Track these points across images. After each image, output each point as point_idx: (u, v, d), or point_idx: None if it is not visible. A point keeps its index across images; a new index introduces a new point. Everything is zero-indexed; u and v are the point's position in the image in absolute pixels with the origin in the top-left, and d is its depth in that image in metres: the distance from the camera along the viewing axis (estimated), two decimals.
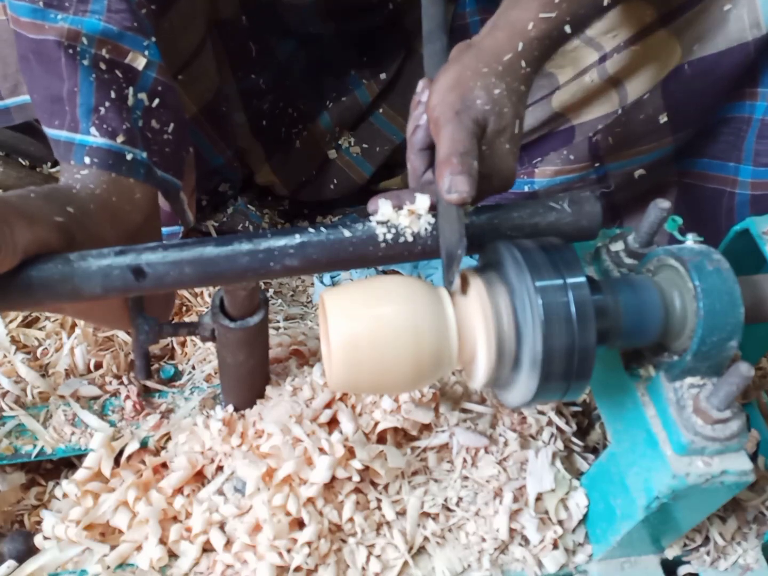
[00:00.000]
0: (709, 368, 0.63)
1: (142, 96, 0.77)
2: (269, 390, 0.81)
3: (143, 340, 0.71)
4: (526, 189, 1.01)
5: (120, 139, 0.73)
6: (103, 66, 0.75)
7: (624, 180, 0.98)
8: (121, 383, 0.88)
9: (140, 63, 0.77)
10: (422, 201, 0.65)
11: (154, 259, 0.62)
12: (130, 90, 0.76)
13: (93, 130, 0.72)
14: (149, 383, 0.88)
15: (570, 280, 0.59)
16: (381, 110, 1.21)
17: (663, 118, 0.90)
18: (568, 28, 0.70)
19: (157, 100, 0.78)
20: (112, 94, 0.74)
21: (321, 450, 0.75)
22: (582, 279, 0.60)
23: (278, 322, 1.02)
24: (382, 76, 1.18)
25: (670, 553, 0.79)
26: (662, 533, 0.76)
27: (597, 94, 0.99)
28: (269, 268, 0.65)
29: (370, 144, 1.22)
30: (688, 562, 0.81)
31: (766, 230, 0.80)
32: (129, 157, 0.73)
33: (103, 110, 0.73)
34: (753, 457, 0.87)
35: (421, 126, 0.70)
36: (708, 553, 0.80)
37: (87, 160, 0.72)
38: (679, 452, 0.63)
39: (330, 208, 1.25)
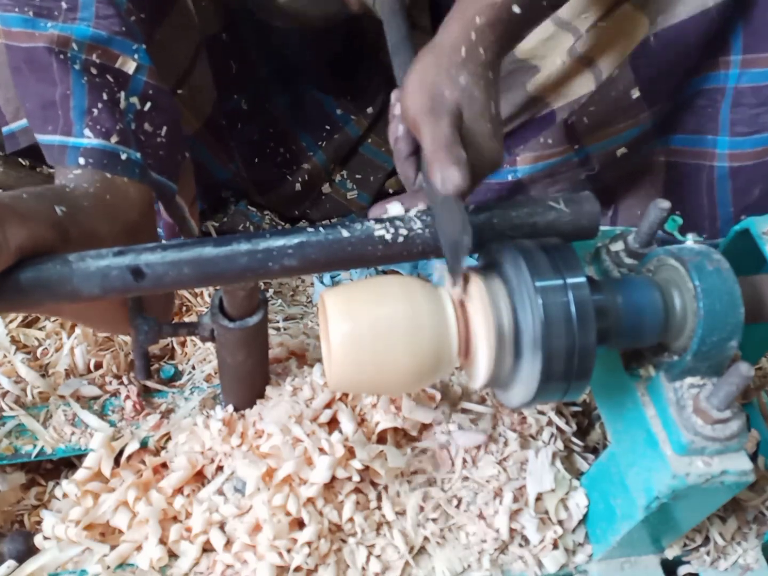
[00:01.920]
0: (709, 368, 0.63)
1: (134, 100, 0.78)
2: (269, 390, 0.81)
3: (143, 341, 0.71)
4: (510, 178, 1.00)
5: (114, 139, 0.73)
6: (94, 71, 0.75)
7: (607, 160, 0.97)
8: (121, 383, 0.88)
9: (130, 67, 0.77)
10: (395, 208, 0.67)
11: (152, 259, 0.62)
12: (122, 94, 0.76)
13: (87, 131, 0.73)
14: (149, 383, 0.88)
15: (570, 280, 0.59)
16: (369, 140, 1.23)
17: (635, 94, 0.89)
18: (516, 8, 0.70)
19: (149, 104, 0.79)
20: (105, 96, 0.75)
21: (321, 450, 0.75)
22: (582, 279, 0.60)
23: (278, 322, 1.02)
24: (369, 110, 1.20)
25: (670, 553, 0.79)
26: (662, 533, 0.76)
27: (572, 75, 0.98)
28: (268, 269, 0.64)
29: (363, 174, 1.23)
30: (688, 562, 0.81)
31: (766, 230, 0.80)
32: (123, 156, 0.74)
33: (96, 111, 0.73)
34: (753, 457, 0.87)
35: (401, 136, 0.71)
36: (708, 553, 0.80)
37: (81, 160, 0.72)
38: (679, 452, 0.63)
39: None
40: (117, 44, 0.76)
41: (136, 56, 0.77)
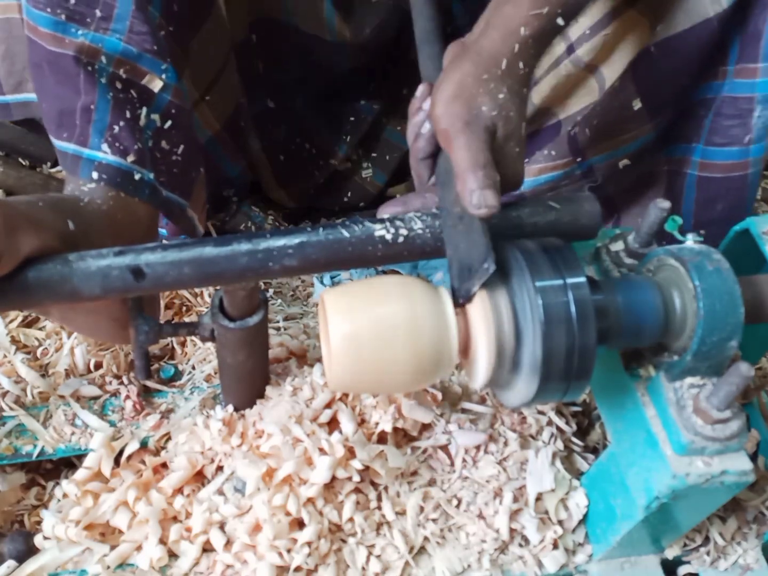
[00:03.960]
0: (709, 368, 0.63)
1: (155, 117, 0.78)
2: (269, 390, 0.81)
3: (143, 341, 0.71)
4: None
5: (130, 158, 0.73)
6: (119, 85, 0.75)
7: (610, 172, 0.96)
8: (121, 383, 0.88)
9: (156, 85, 0.77)
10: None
11: (153, 259, 0.62)
12: (143, 110, 0.76)
13: (105, 146, 0.73)
14: (149, 383, 0.88)
15: (570, 281, 0.59)
16: (386, 121, 1.21)
17: (637, 105, 0.88)
18: (560, 20, 0.69)
19: (169, 122, 0.79)
20: (127, 114, 0.75)
21: (321, 450, 0.75)
22: (582, 279, 0.60)
23: (278, 322, 1.02)
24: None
25: (670, 553, 0.79)
26: (662, 533, 0.76)
27: (577, 85, 0.97)
28: (268, 268, 0.65)
29: (379, 153, 1.22)
30: (688, 562, 0.81)
31: (766, 230, 0.80)
32: (137, 177, 0.74)
33: (117, 129, 0.73)
34: (753, 457, 0.87)
35: (423, 135, 0.70)
36: (708, 553, 0.80)
37: (95, 175, 0.72)
38: (679, 452, 0.63)
39: (337, 213, 1.25)
40: (146, 62, 0.76)
41: (163, 76, 0.77)
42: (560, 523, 0.78)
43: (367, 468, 0.76)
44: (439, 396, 0.82)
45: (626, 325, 0.63)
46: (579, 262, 0.61)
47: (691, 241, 0.66)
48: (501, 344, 0.60)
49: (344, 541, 0.75)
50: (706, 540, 0.80)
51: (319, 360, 0.85)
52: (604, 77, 0.92)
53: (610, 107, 0.90)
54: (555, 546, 0.78)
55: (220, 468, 0.79)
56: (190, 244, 0.64)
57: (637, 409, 0.67)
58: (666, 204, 0.68)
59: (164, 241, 0.65)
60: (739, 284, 0.62)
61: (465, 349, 0.62)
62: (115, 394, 0.87)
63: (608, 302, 0.63)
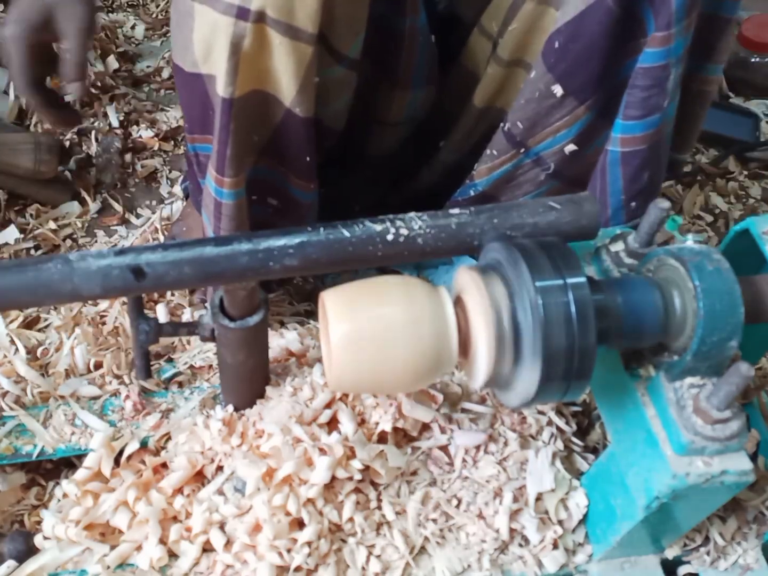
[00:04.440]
0: (709, 368, 0.63)
1: None
2: (269, 390, 0.81)
3: (143, 341, 0.71)
4: (472, 192, 0.99)
5: None
6: None
7: (559, 158, 0.94)
8: (122, 383, 0.88)
9: None
10: None
11: (153, 258, 0.62)
12: None
13: None
14: (148, 384, 0.88)
15: (570, 280, 0.59)
16: None
17: (559, 91, 0.86)
18: None
19: None
20: None
21: (321, 450, 0.75)
22: (582, 279, 0.60)
23: (279, 321, 1.02)
24: None
25: (670, 553, 0.79)
26: (662, 533, 0.76)
27: (514, 80, 0.96)
28: (269, 268, 0.65)
29: None
30: (688, 562, 0.81)
31: (766, 230, 0.80)
32: None
33: None
34: (753, 457, 0.87)
35: None
36: (708, 553, 0.80)
37: None
38: (679, 452, 0.63)
39: None
40: None
41: None
42: (560, 523, 0.78)
43: (367, 468, 0.76)
44: (440, 396, 0.82)
45: (626, 325, 0.63)
46: (579, 262, 0.61)
47: (691, 241, 0.66)
48: (501, 344, 0.60)
49: (344, 541, 0.75)
50: (706, 540, 0.80)
51: (320, 360, 0.85)
52: (530, 69, 0.91)
53: (533, 97, 0.89)
54: (555, 546, 0.78)
55: (220, 468, 0.79)
56: (191, 243, 0.64)
57: (637, 409, 0.67)
58: (665, 204, 0.68)
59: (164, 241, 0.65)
60: (739, 284, 0.62)
61: (465, 348, 0.62)
62: (115, 394, 0.87)
63: (608, 302, 0.63)
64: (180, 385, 0.90)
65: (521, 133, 0.92)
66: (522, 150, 0.94)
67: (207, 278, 0.64)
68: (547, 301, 0.58)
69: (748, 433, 0.64)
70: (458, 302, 0.64)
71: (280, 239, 0.65)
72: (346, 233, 0.65)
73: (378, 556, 0.75)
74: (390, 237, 0.66)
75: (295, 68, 0.77)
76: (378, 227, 0.66)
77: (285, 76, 0.78)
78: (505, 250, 0.62)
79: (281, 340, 0.90)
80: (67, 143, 1.26)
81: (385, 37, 0.92)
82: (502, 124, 0.94)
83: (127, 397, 0.85)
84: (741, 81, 1.54)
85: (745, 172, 1.44)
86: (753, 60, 1.50)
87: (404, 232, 0.66)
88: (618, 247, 0.73)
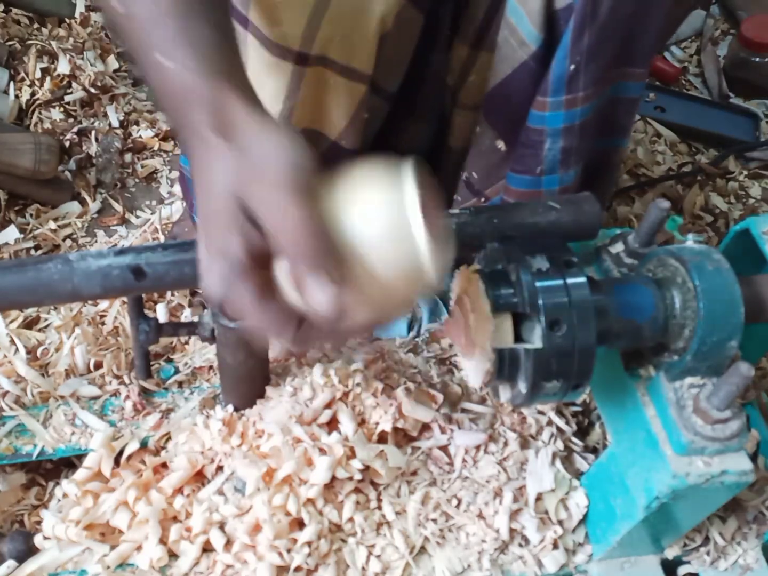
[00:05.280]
0: (709, 368, 0.64)
1: None
2: (269, 390, 0.81)
3: (143, 341, 0.71)
4: None
5: None
6: None
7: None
8: (122, 383, 0.88)
9: None
10: None
11: (153, 259, 0.62)
12: None
13: None
14: (148, 384, 0.88)
15: (570, 281, 0.59)
16: None
17: (501, 146, 0.90)
18: None
19: None
20: None
21: (321, 450, 0.75)
22: (582, 279, 0.60)
23: None
24: None
25: (670, 553, 0.79)
26: (662, 533, 0.76)
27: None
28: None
29: None
30: (688, 562, 0.81)
31: (766, 230, 0.80)
32: None
33: None
34: (753, 457, 0.87)
35: None
36: (708, 553, 0.80)
37: None
38: (679, 452, 0.63)
39: None
40: None
41: None
42: (560, 523, 0.78)
43: (367, 468, 0.76)
44: (440, 396, 0.82)
45: (626, 325, 0.63)
46: (579, 262, 0.61)
47: (691, 241, 0.66)
48: (501, 344, 0.60)
49: (344, 541, 0.75)
50: (706, 540, 0.80)
51: (319, 360, 0.85)
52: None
53: (482, 151, 0.92)
54: (555, 546, 0.78)
55: (220, 468, 0.79)
56: (191, 244, 0.64)
57: (637, 409, 0.67)
58: (665, 204, 0.68)
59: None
60: (739, 284, 0.62)
61: (466, 348, 0.62)
62: (115, 394, 0.87)
63: (608, 302, 0.63)
64: (180, 385, 0.90)
65: (477, 182, 0.95)
66: (482, 199, 0.96)
67: None
68: (548, 301, 0.58)
69: (748, 433, 0.64)
70: (459, 302, 0.64)
71: None
72: None
73: (378, 556, 0.75)
74: None
75: (348, 105, 0.79)
76: None
77: (336, 112, 0.80)
78: (505, 251, 0.62)
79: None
80: (67, 143, 1.26)
81: (416, 71, 0.93)
82: (463, 172, 0.96)
83: (127, 397, 0.85)
84: (741, 81, 1.54)
85: (745, 172, 1.44)
86: (753, 60, 1.50)
87: None
88: (618, 247, 0.73)
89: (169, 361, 0.94)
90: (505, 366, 0.61)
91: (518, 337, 0.60)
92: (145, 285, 0.62)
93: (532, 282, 0.58)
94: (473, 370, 0.62)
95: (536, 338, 0.58)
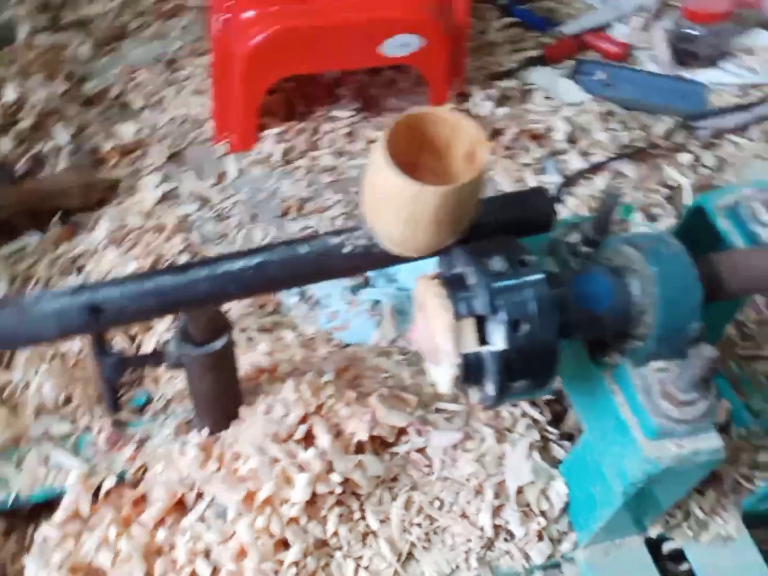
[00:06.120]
0: (672, 351, 0.64)
1: None
2: (243, 411, 0.81)
3: (108, 376, 0.70)
4: None
5: None
6: None
7: None
8: (93, 416, 0.87)
9: None
10: None
11: (111, 294, 0.61)
12: None
13: None
14: (121, 416, 0.87)
15: (528, 279, 0.59)
16: None
17: None
18: None
19: None
20: None
21: (300, 467, 0.74)
22: (540, 276, 0.60)
23: (251, 334, 1.01)
24: None
25: (654, 532, 0.80)
26: (643, 514, 0.77)
27: None
28: (229, 292, 0.64)
29: None
30: (672, 539, 0.82)
31: (720, 205, 0.81)
32: None
33: None
34: (725, 427, 0.89)
35: None
36: (690, 528, 0.81)
37: None
38: (649, 436, 0.64)
39: None
40: None
41: None
42: (543, 513, 0.79)
43: (347, 480, 0.76)
44: (414, 399, 0.82)
45: (585, 315, 0.63)
46: (535, 259, 0.61)
47: (645, 227, 0.67)
48: (464, 349, 0.60)
49: (331, 556, 0.75)
50: (687, 515, 0.82)
51: (290, 375, 0.84)
52: None
53: None
54: (540, 537, 0.78)
55: (200, 495, 0.78)
56: (148, 275, 0.63)
57: (606, 397, 0.68)
58: (618, 192, 0.69)
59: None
60: (696, 266, 0.63)
61: (431, 355, 0.62)
62: (88, 428, 0.86)
63: (566, 295, 0.63)
64: (154, 411, 0.89)
65: None
66: None
67: (167, 309, 0.63)
68: (507, 301, 0.58)
69: (716, 412, 0.65)
70: (421, 309, 0.64)
71: (237, 262, 0.64)
72: (304, 249, 0.65)
73: (366, 567, 0.75)
74: (347, 249, 0.66)
75: None
76: (335, 239, 0.66)
77: None
78: (461, 255, 0.62)
79: (251, 356, 0.89)
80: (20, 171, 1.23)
81: None
82: None
83: (100, 431, 0.84)
84: (687, 53, 1.55)
85: (697, 142, 1.45)
86: (696, 32, 1.52)
87: (362, 242, 0.66)
88: (574, 237, 0.74)
89: (140, 385, 0.94)
90: (471, 370, 0.61)
91: (482, 340, 0.60)
92: (104, 322, 0.61)
93: (490, 285, 0.59)
94: (440, 376, 0.62)
95: (499, 340, 0.58)
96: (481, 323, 0.60)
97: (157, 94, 1.36)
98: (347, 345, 0.98)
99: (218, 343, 0.71)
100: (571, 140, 1.39)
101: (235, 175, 1.26)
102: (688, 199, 1.33)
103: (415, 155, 0.64)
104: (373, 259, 0.67)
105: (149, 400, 0.91)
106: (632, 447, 0.65)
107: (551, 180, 1.32)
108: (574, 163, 1.35)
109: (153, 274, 0.64)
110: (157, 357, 0.73)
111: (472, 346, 0.60)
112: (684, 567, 0.82)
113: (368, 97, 1.39)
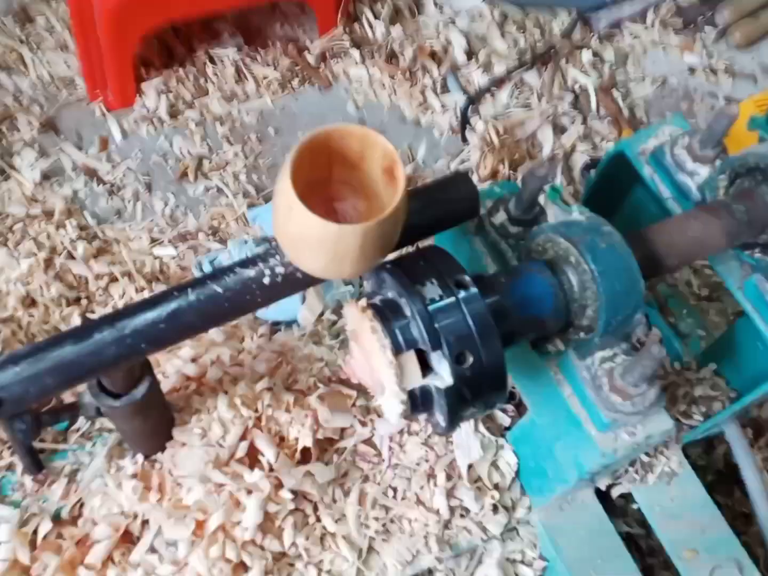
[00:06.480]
0: (617, 340, 0.63)
1: None
2: (176, 433, 0.76)
3: (22, 439, 0.64)
4: None
5: None
6: None
7: None
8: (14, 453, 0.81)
9: None
10: None
11: (5, 380, 0.55)
12: None
13: None
14: (46, 445, 0.81)
15: (466, 306, 0.55)
16: None
17: None
18: None
19: None
20: None
21: (247, 491, 0.71)
22: (473, 291, 0.56)
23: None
24: None
25: (603, 484, 0.82)
26: (595, 478, 0.78)
27: None
28: (142, 350, 0.58)
29: None
30: (620, 483, 0.84)
31: (641, 150, 0.78)
32: None
33: None
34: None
35: None
36: (636, 472, 0.83)
37: None
38: (602, 430, 0.63)
39: None
40: None
41: None
42: (495, 486, 0.79)
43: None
44: (353, 393, 0.80)
45: (530, 321, 0.61)
46: (464, 272, 0.57)
47: (576, 212, 0.63)
48: (409, 384, 0.57)
49: (292, 565, 0.74)
50: (633, 461, 0.83)
51: (221, 383, 0.80)
52: None
53: None
54: (495, 509, 0.79)
55: (145, 522, 0.74)
56: (44, 348, 0.56)
57: (552, 388, 0.66)
58: (542, 171, 0.64)
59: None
60: (632, 251, 0.60)
61: (375, 388, 0.59)
62: (11, 467, 0.80)
63: (505, 302, 0.59)
64: (81, 433, 0.83)
65: None
66: None
67: (76, 381, 0.57)
68: (449, 337, 0.54)
69: (665, 393, 0.64)
70: (355, 338, 0.59)
71: (147, 314, 0.58)
72: (219, 288, 0.59)
73: (328, 571, 0.74)
74: (267, 280, 0.60)
75: None
76: (251, 272, 0.60)
77: None
78: (392, 280, 0.57)
79: (175, 363, 0.83)
80: None
81: None
82: None
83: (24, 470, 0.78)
84: None
85: (595, 36, 1.41)
86: None
87: (280, 270, 0.60)
88: (501, 217, 0.70)
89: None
90: (419, 402, 0.58)
91: (426, 366, 0.57)
92: (5, 411, 0.55)
93: (428, 318, 0.55)
94: (387, 408, 0.59)
95: (445, 374, 0.55)
96: (423, 353, 0.57)
97: (12, 53, 1.20)
98: (274, 325, 0.93)
99: (139, 392, 0.65)
100: (470, 53, 1.32)
101: (120, 138, 1.15)
102: (593, 103, 1.30)
103: (326, 170, 0.58)
104: (295, 285, 0.62)
105: (72, 421, 0.85)
106: (586, 440, 0.64)
107: (455, 99, 1.26)
108: (476, 77, 1.29)
109: (51, 344, 0.57)
110: (73, 411, 0.67)
111: (416, 380, 0.56)
112: (635, 506, 0.85)
113: (250, 28, 1.27)
